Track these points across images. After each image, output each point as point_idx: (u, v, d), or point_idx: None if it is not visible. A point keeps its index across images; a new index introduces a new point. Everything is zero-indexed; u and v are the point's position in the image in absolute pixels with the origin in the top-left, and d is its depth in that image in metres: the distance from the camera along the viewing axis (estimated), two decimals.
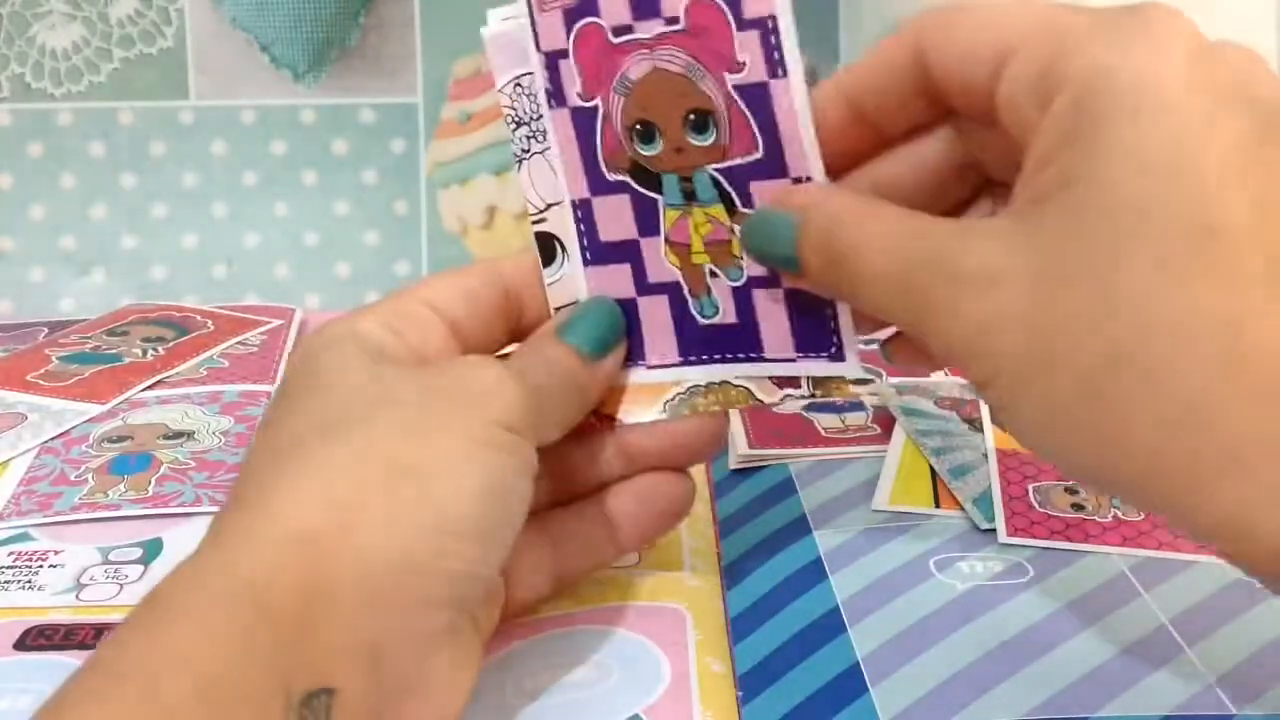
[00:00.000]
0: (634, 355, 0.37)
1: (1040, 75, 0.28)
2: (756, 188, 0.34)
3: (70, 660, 0.37)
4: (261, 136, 0.68)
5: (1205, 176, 0.25)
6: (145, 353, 0.58)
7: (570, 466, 0.37)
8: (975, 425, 0.48)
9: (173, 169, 0.68)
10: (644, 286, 0.36)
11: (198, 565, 0.29)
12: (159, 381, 0.55)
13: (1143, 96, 0.26)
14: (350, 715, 0.28)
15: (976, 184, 0.34)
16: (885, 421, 0.49)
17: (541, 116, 0.36)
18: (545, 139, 0.36)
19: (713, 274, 0.35)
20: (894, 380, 0.53)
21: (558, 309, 0.37)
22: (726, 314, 0.36)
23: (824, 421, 0.50)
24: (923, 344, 0.30)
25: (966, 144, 0.33)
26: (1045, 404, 0.27)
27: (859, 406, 0.51)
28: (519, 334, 0.37)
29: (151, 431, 0.50)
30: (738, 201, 0.34)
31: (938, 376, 0.54)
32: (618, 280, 0.36)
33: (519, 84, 0.36)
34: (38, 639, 0.38)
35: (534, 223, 0.37)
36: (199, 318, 0.62)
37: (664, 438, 0.37)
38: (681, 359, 0.37)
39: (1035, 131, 0.28)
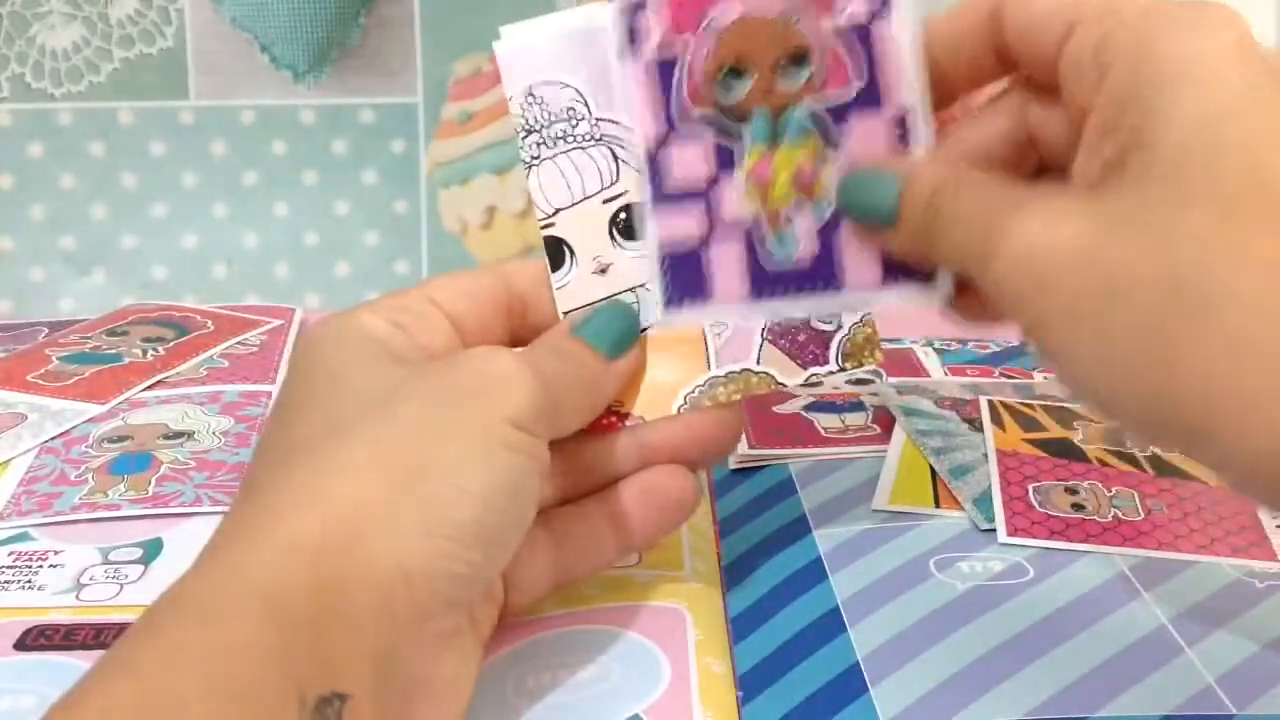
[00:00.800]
0: (700, 294, 0.36)
1: (1099, 47, 0.30)
2: (851, 121, 0.35)
3: (70, 660, 0.37)
4: (261, 136, 0.68)
5: (1254, 139, 0.28)
6: (145, 353, 0.58)
7: (583, 464, 0.37)
8: (975, 425, 0.48)
9: (173, 169, 0.68)
10: (716, 226, 0.36)
11: (210, 567, 0.29)
12: (159, 381, 0.55)
13: (1193, 68, 0.28)
14: (360, 719, 0.28)
15: (1033, 168, 0.35)
16: (885, 421, 0.49)
17: (553, 124, 0.37)
18: (555, 145, 0.37)
19: (793, 212, 0.36)
20: (894, 380, 0.53)
21: (566, 313, 0.37)
22: (806, 250, 0.36)
23: (824, 421, 0.50)
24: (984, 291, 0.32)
25: (1028, 119, 0.35)
26: (1102, 339, 0.29)
27: (859, 406, 0.51)
28: (522, 338, 0.37)
29: (151, 431, 0.50)
30: (829, 135, 0.35)
31: (938, 376, 0.54)
32: (687, 220, 0.36)
33: (531, 94, 0.37)
34: (38, 639, 0.38)
35: (543, 228, 0.37)
36: (199, 318, 0.62)
37: (681, 432, 0.37)
38: (754, 297, 0.36)
39: (1093, 101, 0.30)
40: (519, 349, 0.36)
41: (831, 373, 0.37)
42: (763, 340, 0.37)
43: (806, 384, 0.37)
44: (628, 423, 0.37)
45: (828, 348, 0.37)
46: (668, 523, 0.38)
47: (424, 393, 0.32)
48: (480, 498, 0.30)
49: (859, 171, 0.35)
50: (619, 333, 0.36)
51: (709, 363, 0.37)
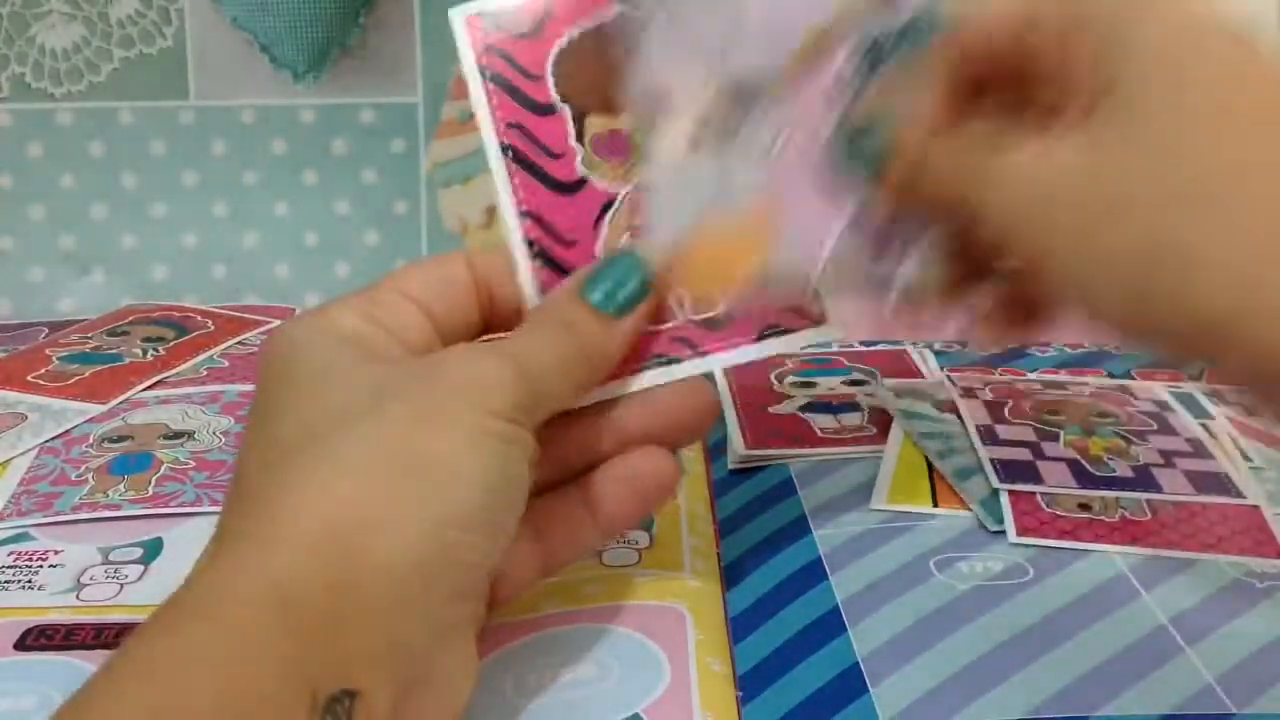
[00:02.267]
0: None
1: (1060, 17, 0.31)
2: None
3: (70, 660, 0.37)
4: (261, 136, 0.68)
5: (1235, 48, 0.29)
6: (145, 353, 0.58)
7: (560, 452, 0.37)
8: None
9: (173, 169, 0.68)
10: None
11: (218, 567, 0.28)
12: (159, 381, 0.55)
13: (1155, 7, 0.30)
14: (370, 715, 0.28)
15: None
16: (881, 421, 0.49)
17: None
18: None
19: None
20: (890, 382, 0.53)
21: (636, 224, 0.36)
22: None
23: (820, 422, 0.50)
24: (978, 231, 0.32)
25: None
26: (1115, 256, 0.29)
27: (855, 407, 0.51)
28: (492, 323, 0.37)
29: (151, 431, 0.50)
30: None
31: (938, 376, 0.54)
32: None
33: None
34: (38, 639, 0.38)
35: None
36: (199, 318, 0.63)
37: (656, 416, 0.37)
38: None
39: (1066, 64, 0.31)
40: (505, 334, 0.36)
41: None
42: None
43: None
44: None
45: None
46: (649, 505, 0.37)
47: (411, 387, 0.32)
48: (480, 486, 0.30)
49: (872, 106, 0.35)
50: (629, 291, 0.36)
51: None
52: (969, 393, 0.50)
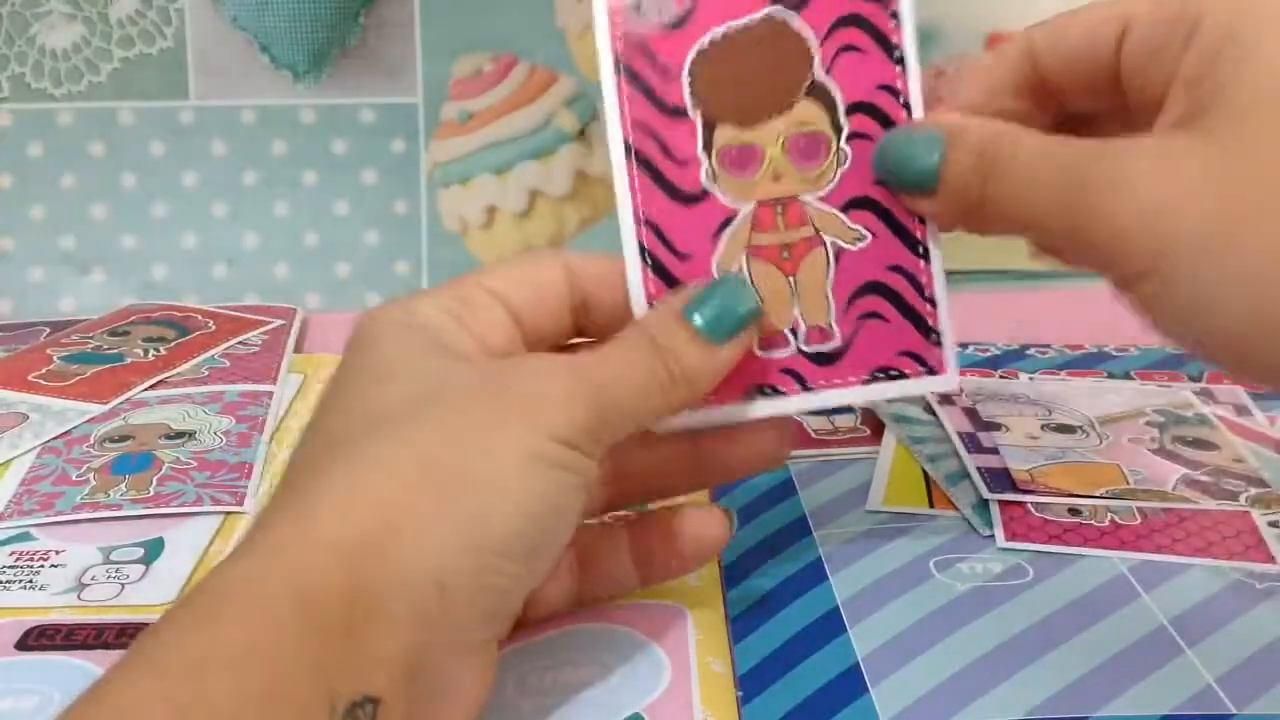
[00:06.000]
0: None
1: (1176, 17, 0.30)
2: None
3: (72, 660, 0.37)
4: (261, 136, 0.68)
5: None
6: (147, 353, 0.58)
7: (632, 471, 0.36)
8: None
9: (173, 169, 0.68)
10: None
11: (243, 567, 0.28)
12: (160, 381, 0.55)
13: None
14: None
15: None
16: (873, 423, 0.49)
17: None
18: None
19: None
20: None
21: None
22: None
23: (813, 423, 0.50)
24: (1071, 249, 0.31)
25: None
26: (1230, 278, 0.28)
27: (848, 409, 0.51)
28: (585, 330, 0.36)
29: (153, 431, 0.51)
30: None
31: None
32: None
33: None
34: (39, 639, 0.38)
35: None
36: (200, 318, 0.63)
37: (737, 448, 0.36)
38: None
39: (1179, 64, 0.30)
40: (592, 341, 0.35)
41: None
42: None
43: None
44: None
45: None
46: (694, 565, 0.38)
47: (470, 395, 0.31)
48: (523, 512, 0.29)
49: (896, 131, 0.34)
50: (737, 316, 0.34)
51: None
52: (945, 399, 0.50)
